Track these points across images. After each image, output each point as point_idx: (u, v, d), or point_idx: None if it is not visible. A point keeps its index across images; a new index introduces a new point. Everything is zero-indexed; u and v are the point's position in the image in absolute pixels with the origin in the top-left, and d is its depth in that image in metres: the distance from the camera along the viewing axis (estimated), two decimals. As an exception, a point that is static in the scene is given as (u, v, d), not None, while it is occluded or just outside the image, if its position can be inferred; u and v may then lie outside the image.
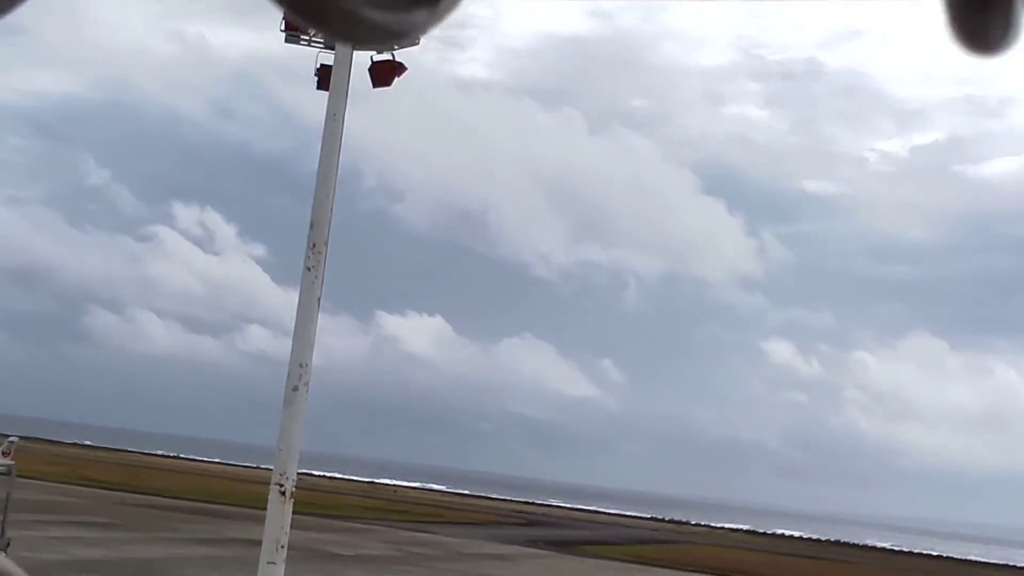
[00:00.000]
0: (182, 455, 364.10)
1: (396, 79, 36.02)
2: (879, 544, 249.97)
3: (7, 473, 75.77)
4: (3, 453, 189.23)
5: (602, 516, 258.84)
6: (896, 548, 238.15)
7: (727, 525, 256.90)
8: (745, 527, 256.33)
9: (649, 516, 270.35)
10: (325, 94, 33.32)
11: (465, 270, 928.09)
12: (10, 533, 71.16)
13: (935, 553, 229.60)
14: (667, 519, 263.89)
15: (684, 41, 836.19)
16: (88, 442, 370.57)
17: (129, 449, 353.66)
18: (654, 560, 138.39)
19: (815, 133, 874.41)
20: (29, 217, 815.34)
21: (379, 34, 1.81)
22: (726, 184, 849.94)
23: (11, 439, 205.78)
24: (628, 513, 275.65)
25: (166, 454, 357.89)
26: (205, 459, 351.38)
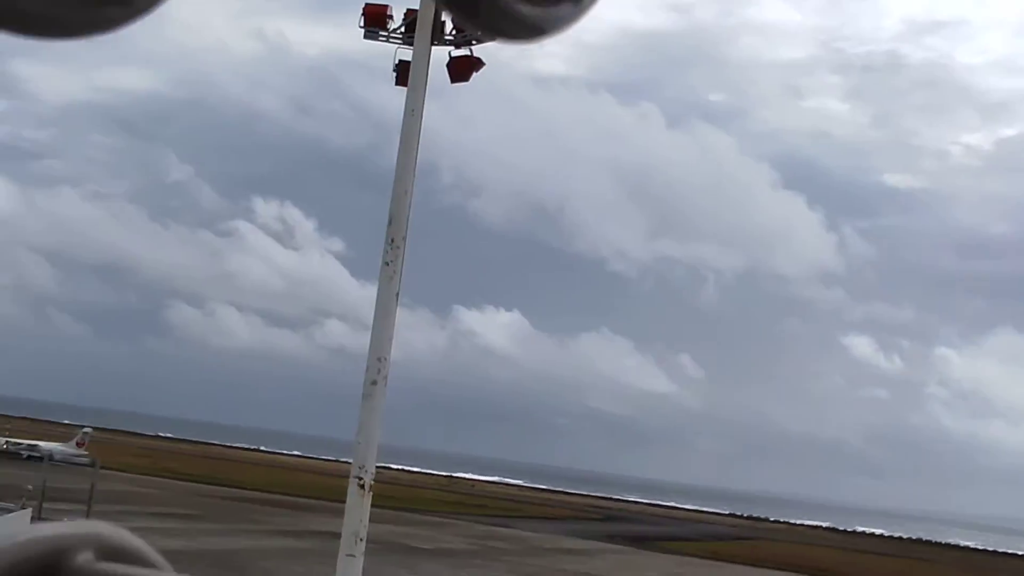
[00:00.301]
0: (262, 448, 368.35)
1: (474, 74, 36.06)
2: (961, 543, 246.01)
3: (91, 465, 77.35)
4: (78, 444, 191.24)
5: (680, 512, 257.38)
6: (979, 547, 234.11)
7: (806, 522, 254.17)
8: (824, 524, 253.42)
9: (727, 512, 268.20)
10: (403, 90, 33.44)
11: (542, 265, 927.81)
12: (95, 523, 72.80)
13: (1019, 552, 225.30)
14: (745, 515, 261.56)
15: (763, 34, 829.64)
16: (170, 435, 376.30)
17: (210, 442, 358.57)
18: (732, 557, 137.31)
19: (896, 126, 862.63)
20: (113, 213, 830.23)
21: (526, 28, 1.78)
22: (806, 178, 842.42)
23: (85, 430, 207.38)
24: (706, 509, 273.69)
25: (246, 447, 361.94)
26: (284, 452, 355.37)
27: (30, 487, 67.54)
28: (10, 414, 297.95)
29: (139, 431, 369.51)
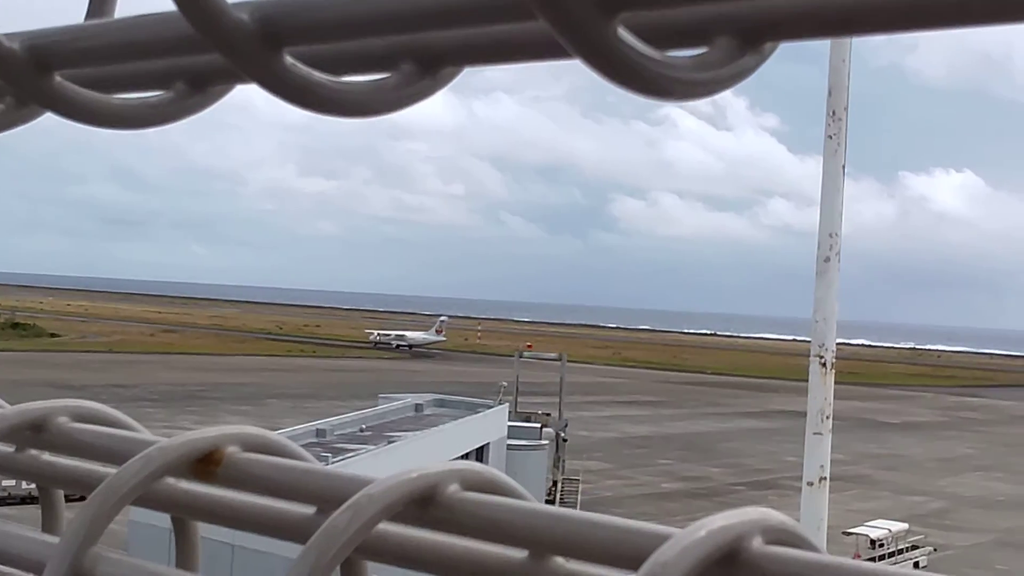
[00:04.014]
0: (718, 332, 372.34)
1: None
2: None
3: (558, 359, 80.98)
4: (437, 331, 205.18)
5: None
6: None
7: None
8: None
9: None
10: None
11: (991, 119, 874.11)
12: (566, 414, 76.21)
13: None
14: None
15: None
16: (626, 325, 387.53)
17: (666, 329, 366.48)
18: None
19: None
20: (550, 114, 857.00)
21: None
22: None
23: (442, 318, 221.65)
24: None
25: (702, 332, 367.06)
26: (740, 335, 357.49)
27: (504, 383, 71.50)
28: (477, 315, 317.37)
29: (596, 323, 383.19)
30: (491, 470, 1.01)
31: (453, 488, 1.04)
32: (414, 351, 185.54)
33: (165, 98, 1.01)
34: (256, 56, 0.81)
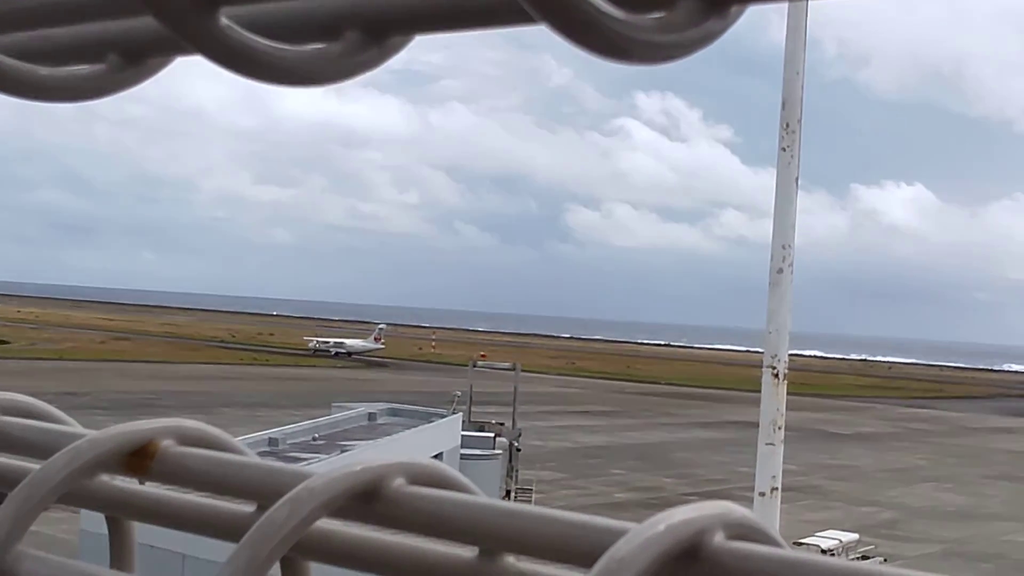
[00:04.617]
0: (672, 343, 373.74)
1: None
2: None
3: (512, 369, 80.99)
4: (375, 339, 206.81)
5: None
6: None
7: None
8: None
9: None
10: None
11: (941, 133, 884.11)
12: (520, 424, 76.21)
13: None
14: None
15: None
16: (580, 335, 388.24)
17: (620, 340, 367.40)
18: None
19: None
20: (505, 124, 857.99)
21: None
22: None
23: (380, 326, 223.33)
24: None
25: (657, 342, 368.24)
26: (693, 345, 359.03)
27: (458, 393, 71.40)
28: (432, 324, 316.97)
29: (550, 333, 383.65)
30: (438, 464, 1.04)
31: (399, 482, 0.99)
32: (369, 360, 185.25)
33: (98, 70, 0.96)
34: (187, 14, 0.77)
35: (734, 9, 0.70)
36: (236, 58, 0.79)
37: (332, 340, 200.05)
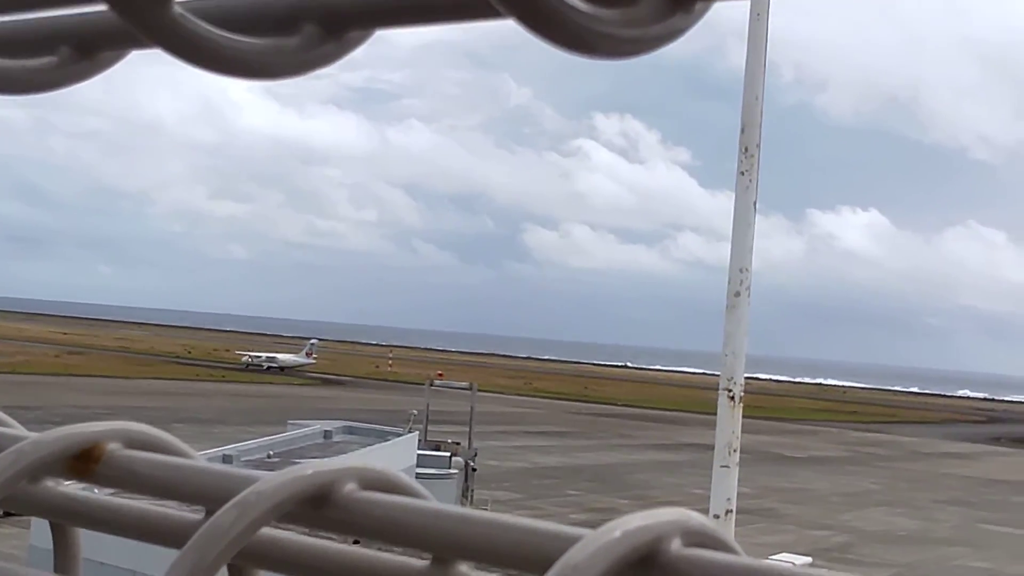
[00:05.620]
0: (629, 364, 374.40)
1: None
2: None
3: (469, 388, 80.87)
4: (307, 354, 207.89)
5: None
6: None
7: None
8: None
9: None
10: (746, -7, 32.54)
11: (897, 159, 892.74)
12: (476, 443, 76.04)
13: None
14: None
15: None
16: (537, 355, 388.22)
17: (577, 360, 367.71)
18: None
19: None
20: (464, 143, 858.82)
21: None
22: None
23: (312, 342, 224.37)
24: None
25: (613, 364, 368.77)
26: (650, 367, 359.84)
27: (415, 412, 71.14)
28: (389, 343, 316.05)
29: (507, 353, 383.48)
30: (390, 470, 1.01)
31: (350, 487, 0.96)
32: (325, 378, 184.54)
33: (48, 62, 0.93)
34: (140, 1, 0.75)
35: (698, 6, 0.70)
36: (191, 49, 0.77)
37: (264, 355, 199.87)
